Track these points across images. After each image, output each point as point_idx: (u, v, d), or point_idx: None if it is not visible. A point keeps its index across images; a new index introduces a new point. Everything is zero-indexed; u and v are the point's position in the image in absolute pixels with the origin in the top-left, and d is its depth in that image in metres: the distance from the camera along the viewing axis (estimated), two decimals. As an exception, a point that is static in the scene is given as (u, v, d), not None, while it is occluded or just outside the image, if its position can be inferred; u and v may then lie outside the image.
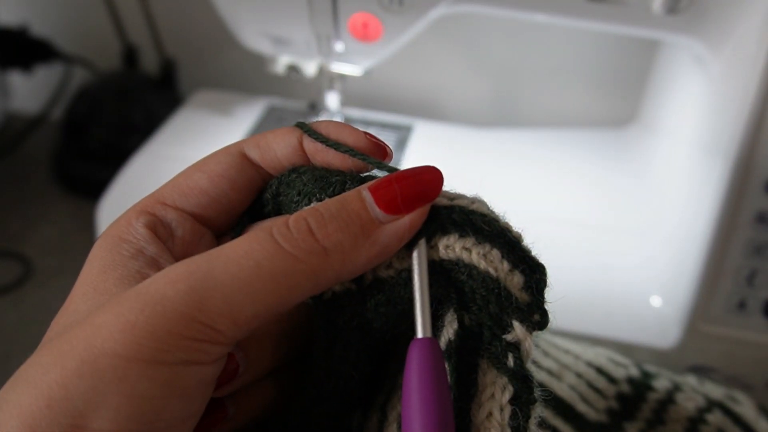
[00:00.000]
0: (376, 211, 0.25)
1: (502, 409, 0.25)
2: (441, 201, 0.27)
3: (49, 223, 0.84)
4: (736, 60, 0.55)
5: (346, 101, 0.76)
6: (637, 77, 0.83)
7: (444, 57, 0.90)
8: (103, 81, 0.90)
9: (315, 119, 0.31)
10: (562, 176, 0.77)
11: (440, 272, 0.27)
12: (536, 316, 0.26)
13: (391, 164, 0.29)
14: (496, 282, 0.26)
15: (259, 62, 0.70)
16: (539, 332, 0.27)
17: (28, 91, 0.98)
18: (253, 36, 0.64)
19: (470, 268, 0.26)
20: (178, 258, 0.27)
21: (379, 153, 0.29)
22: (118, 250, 0.26)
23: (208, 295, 0.22)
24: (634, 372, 0.54)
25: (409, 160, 0.75)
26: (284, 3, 0.59)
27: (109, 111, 0.87)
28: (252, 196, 0.30)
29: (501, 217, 0.27)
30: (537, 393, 0.26)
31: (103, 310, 0.23)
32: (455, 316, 0.27)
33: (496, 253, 0.26)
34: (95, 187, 0.75)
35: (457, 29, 0.87)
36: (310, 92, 0.81)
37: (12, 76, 0.96)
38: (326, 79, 0.69)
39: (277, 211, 0.30)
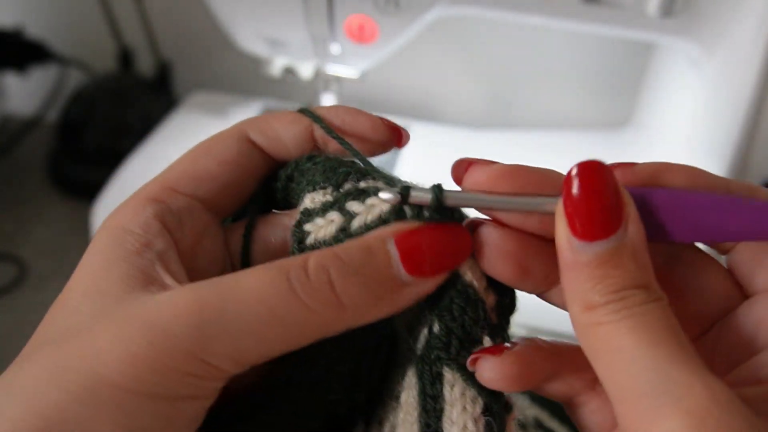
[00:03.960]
0: (401, 271, 0.24)
1: (476, 421, 0.24)
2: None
3: (44, 225, 0.84)
4: (731, 62, 0.55)
5: (341, 103, 0.76)
6: (632, 79, 0.83)
7: (440, 59, 0.90)
8: (98, 83, 0.90)
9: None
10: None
11: None
12: (498, 339, 0.26)
13: (389, 165, 0.29)
14: (476, 294, 0.25)
15: (254, 64, 0.70)
16: None
17: (23, 92, 0.97)
18: (249, 38, 0.64)
19: (456, 275, 0.25)
20: (184, 252, 0.26)
21: (395, 136, 0.29)
22: (121, 243, 0.25)
23: (216, 336, 0.22)
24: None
25: (405, 161, 0.75)
26: (280, 5, 0.59)
27: (104, 113, 0.87)
28: (256, 181, 0.29)
29: None
30: (510, 400, 0.26)
31: (106, 331, 0.22)
32: (431, 319, 0.26)
33: (478, 267, 0.26)
34: (90, 189, 0.75)
35: (452, 31, 0.87)
36: (306, 94, 0.81)
37: (7, 78, 0.95)
38: (322, 81, 0.69)
39: (286, 199, 0.30)
